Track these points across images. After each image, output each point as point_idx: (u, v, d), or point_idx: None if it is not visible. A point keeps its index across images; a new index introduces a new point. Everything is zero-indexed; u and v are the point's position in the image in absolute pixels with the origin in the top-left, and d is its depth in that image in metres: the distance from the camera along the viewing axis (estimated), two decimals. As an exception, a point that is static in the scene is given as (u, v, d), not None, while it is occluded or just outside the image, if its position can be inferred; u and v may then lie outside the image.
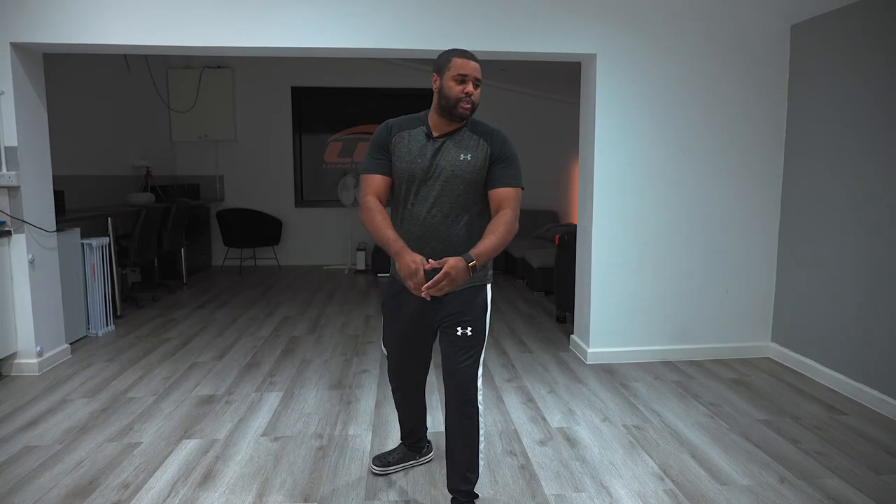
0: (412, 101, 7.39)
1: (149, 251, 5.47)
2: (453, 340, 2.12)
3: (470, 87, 2.02)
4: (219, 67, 7.56)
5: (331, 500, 2.34)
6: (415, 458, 2.59)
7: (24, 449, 2.72)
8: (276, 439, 2.86)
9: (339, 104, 7.86)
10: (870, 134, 3.32)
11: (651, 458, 2.70)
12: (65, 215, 4.44)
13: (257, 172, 7.88)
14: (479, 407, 2.13)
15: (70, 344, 4.10)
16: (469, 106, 2.04)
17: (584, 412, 3.21)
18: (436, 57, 2.13)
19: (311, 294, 6.20)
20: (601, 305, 3.99)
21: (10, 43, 3.46)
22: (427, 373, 2.44)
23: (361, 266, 7.52)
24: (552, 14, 3.72)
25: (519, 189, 2.10)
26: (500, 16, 3.68)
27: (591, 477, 2.54)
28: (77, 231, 4.33)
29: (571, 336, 4.37)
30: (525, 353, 4.22)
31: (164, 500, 2.32)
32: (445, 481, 2.24)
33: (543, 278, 6.04)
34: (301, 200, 7.98)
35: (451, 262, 1.86)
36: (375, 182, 2.12)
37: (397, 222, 2.14)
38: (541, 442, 2.86)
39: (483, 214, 2.15)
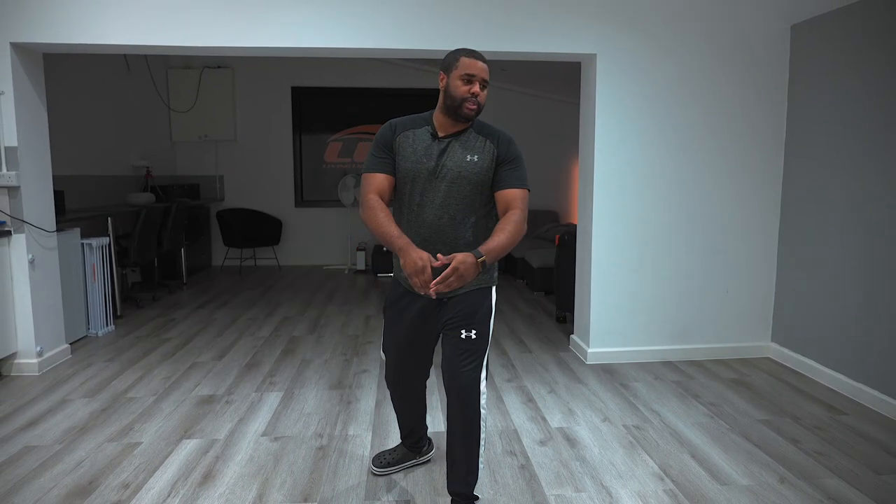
0: (412, 101, 7.41)
1: (149, 251, 5.47)
2: (457, 343, 2.09)
3: (476, 88, 2.00)
4: (219, 67, 7.56)
5: (331, 501, 2.34)
6: (415, 458, 2.59)
7: (24, 449, 2.72)
8: (276, 439, 2.86)
9: (339, 104, 7.87)
10: (870, 134, 3.32)
11: (651, 458, 2.70)
12: (65, 215, 4.44)
13: (257, 172, 7.88)
14: (483, 411, 2.10)
15: (70, 344, 4.10)
16: (475, 107, 2.01)
17: (584, 412, 3.21)
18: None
19: (311, 294, 6.20)
20: (601, 305, 3.99)
21: (10, 43, 3.46)
22: (427, 377, 2.43)
23: (361, 266, 7.52)
24: (552, 14, 3.72)
25: (526, 191, 2.09)
26: (500, 16, 3.69)
27: (591, 477, 2.54)
28: (77, 231, 4.33)
29: (571, 336, 4.37)
30: (525, 353, 4.22)
31: (164, 500, 2.32)
32: (445, 482, 2.24)
33: (543, 278, 6.04)
34: (301, 200, 7.99)
35: (460, 258, 1.83)
36: (378, 181, 2.09)
37: (402, 224, 2.11)
38: (541, 442, 2.86)
39: (489, 217, 2.13)
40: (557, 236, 4.97)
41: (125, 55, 6.24)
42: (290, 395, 3.41)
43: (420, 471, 2.57)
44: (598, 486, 2.47)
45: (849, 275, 3.46)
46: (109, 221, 4.92)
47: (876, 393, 3.25)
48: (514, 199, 2.05)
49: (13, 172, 3.52)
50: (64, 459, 2.63)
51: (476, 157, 2.06)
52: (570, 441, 2.87)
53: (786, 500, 2.34)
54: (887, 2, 3.19)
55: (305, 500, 2.34)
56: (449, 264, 1.83)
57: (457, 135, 2.09)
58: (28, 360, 3.68)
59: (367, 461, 2.64)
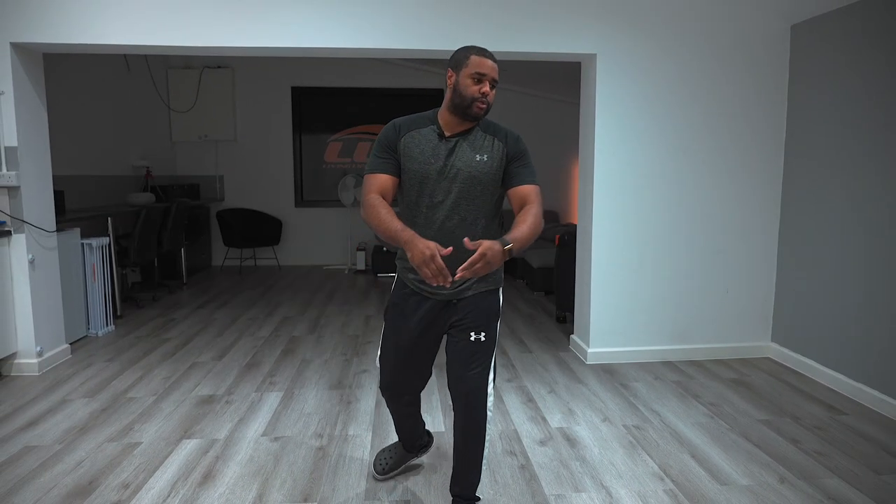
0: (412, 101, 7.42)
1: (149, 251, 5.47)
2: (465, 346, 2.05)
3: (486, 87, 1.95)
4: (219, 67, 7.56)
5: (331, 501, 2.34)
6: (414, 456, 2.57)
7: (24, 449, 2.72)
8: (276, 439, 2.86)
9: (339, 104, 7.87)
10: (870, 134, 3.32)
11: (651, 458, 2.70)
12: (65, 215, 4.44)
13: (257, 172, 7.88)
14: (489, 413, 2.07)
15: (70, 344, 4.10)
16: (484, 106, 1.97)
17: (584, 412, 3.21)
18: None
19: (311, 294, 6.20)
20: (601, 305, 3.99)
21: (10, 43, 3.46)
22: (423, 389, 2.32)
23: (361, 266, 7.52)
24: (552, 14, 3.72)
25: (538, 187, 2.06)
26: (500, 16, 3.68)
27: (591, 477, 2.54)
28: (77, 231, 4.33)
29: (571, 336, 4.37)
30: (525, 353, 4.22)
31: (164, 500, 2.32)
32: (447, 482, 2.23)
33: (543, 278, 6.04)
34: (301, 200, 7.99)
35: (487, 244, 1.74)
36: (380, 181, 2.04)
37: (410, 227, 2.00)
38: (541, 442, 2.86)
39: (496, 219, 2.11)
40: (557, 236, 4.97)
41: (125, 55, 6.24)
42: (290, 396, 3.41)
43: (420, 471, 2.57)
44: (598, 486, 2.47)
45: (849, 275, 3.46)
46: (109, 221, 4.92)
47: (876, 393, 3.25)
48: (529, 195, 2.02)
49: (13, 172, 3.52)
50: (64, 459, 2.63)
51: (485, 156, 2.02)
52: (570, 441, 2.87)
53: (786, 500, 2.34)
54: (887, 2, 3.19)
55: (305, 501, 2.34)
56: (475, 251, 1.74)
57: (464, 134, 2.04)
58: (28, 360, 3.68)
59: (368, 461, 2.64)
